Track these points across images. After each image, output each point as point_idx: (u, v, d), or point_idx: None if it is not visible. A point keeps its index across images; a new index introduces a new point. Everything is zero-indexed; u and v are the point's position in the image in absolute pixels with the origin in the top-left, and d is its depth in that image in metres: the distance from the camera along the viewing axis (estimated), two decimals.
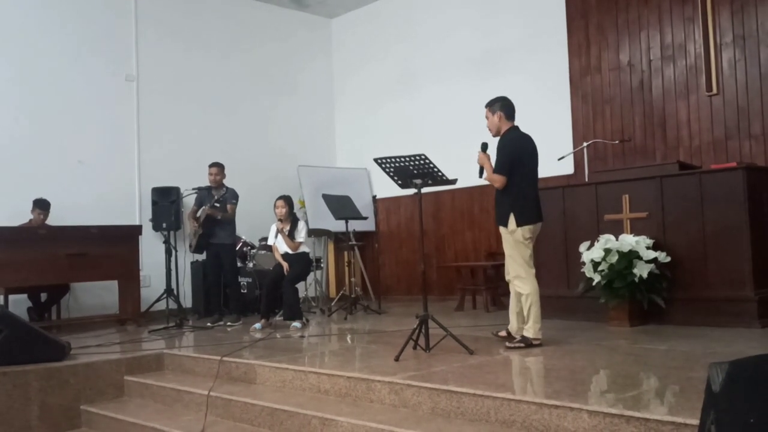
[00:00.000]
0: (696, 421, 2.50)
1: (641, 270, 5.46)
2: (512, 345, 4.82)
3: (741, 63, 6.75)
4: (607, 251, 5.61)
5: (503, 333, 5.15)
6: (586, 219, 6.22)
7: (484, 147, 4.98)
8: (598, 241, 5.77)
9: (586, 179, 6.95)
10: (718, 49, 6.87)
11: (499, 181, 4.84)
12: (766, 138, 6.57)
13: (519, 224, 4.83)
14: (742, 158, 6.54)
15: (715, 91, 6.86)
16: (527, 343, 4.80)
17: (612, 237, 5.72)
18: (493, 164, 4.91)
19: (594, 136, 7.61)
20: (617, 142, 7.37)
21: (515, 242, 4.86)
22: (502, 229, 4.93)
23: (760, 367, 2.18)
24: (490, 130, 5.04)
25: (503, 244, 4.96)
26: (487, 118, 5.03)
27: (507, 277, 5.07)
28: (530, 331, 4.82)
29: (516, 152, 4.87)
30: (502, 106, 4.97)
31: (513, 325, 5.06)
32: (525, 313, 4.85)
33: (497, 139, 5.01)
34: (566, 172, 7.67)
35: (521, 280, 4.87)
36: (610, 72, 7.68)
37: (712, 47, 6.86)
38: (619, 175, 6.24)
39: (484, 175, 4.96)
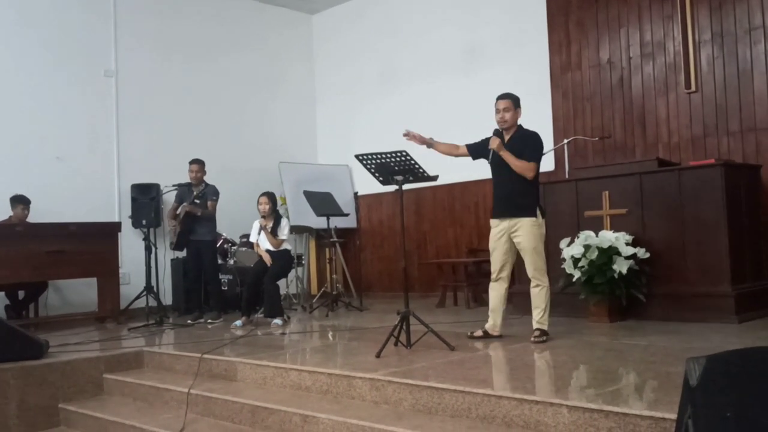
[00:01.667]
0: (674, 416, 2.52)
1: (621, 266, 5.50)
2: (538, 339, 4.81)
3: (719, 60, 6.81)
4: (587, 247, 5.65)
5: (479, 333, 5.12)
6: (567, 215, 6.26)
7: (499, 134, 4.95)
8: (578, 237, 5.80)
9: (567, 176, 6.99)
10: (696, 47, 6.92)
11: (533, 170, 4.85)
12: (744, 135, 6.64)
13: (543, 216, 4.93)
14: (720, 155, 6.61)
15: (693, 88, 6.92)
16: (547, 334, 4.88)
17: (592, 233, 5.76)
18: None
19: (574, 132, 7.65)
20: (597, 138, 7.41)
21: (540, 234, 4.89)
22: (527, 220, 4.83)
23: (737, 361, 2.20)
24: (505, 122, 4.90)
25: (524, 237, 4.82)
26: (507, 110, 4.87)
27: (497, 275, 5.02)
28: (546, 322, 4.89)
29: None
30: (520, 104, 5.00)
31: (496, 324, 5.07)
32: (544, 306, 4.87)
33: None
34: (547, 168, 7.67)
35: (544, 273, 4.90)
36: (591, 69, 7.71)
37: (691, 45, 6.92)
38: (599, 172, 6.28)
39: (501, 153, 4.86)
